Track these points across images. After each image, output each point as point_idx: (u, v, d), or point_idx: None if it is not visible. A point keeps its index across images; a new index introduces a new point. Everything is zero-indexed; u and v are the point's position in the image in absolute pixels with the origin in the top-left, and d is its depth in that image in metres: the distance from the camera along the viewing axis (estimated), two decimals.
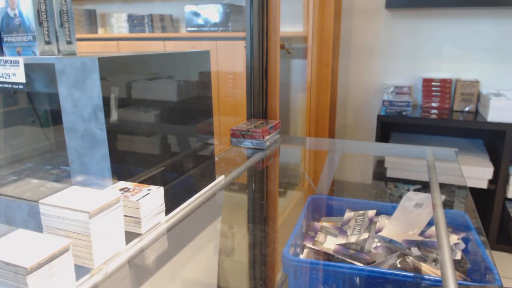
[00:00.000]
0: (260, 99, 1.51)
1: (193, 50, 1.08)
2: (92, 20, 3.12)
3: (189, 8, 2.60)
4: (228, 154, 1.32)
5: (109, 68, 0.76)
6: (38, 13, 0.84)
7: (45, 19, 0.85)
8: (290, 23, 2.57)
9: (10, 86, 0.84)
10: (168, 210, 0.80)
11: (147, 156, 0.90)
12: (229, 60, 2.29)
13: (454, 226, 0.90)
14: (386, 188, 1.86)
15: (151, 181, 0.90)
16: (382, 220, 0.94)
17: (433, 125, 2.45)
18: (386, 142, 2.34)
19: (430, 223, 0.87)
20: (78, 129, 0.79)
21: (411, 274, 0.72)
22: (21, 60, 0.82)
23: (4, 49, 0.90)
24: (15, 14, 0.85)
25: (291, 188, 1.31)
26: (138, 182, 0.80)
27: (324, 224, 0.95)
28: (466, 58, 2.34)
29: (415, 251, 0.80)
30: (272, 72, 1.52)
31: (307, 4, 2.27)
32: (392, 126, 2.57)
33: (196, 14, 2.58)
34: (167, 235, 0.77)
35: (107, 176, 0.79)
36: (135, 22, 2.90)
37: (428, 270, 0.75)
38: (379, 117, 2.24)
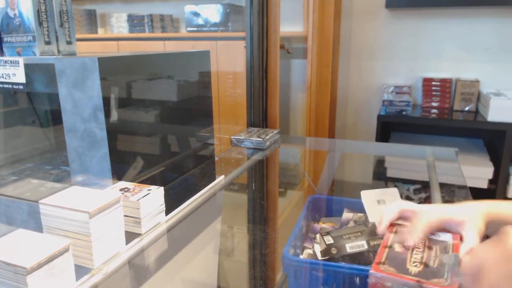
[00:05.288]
0: (260, 101, 1.51)
1: (193, 50, 1.08)
2: (92, 20, 3.12)
3: (189, 8, 2.60)
4: (228, 154, 1.32)
5: (109, 68, 0.76)
6: (38, 13, 0.84)
7: (45, 19, 0.85)
8: (290, 23, 2.57)
9: (10, 86, 0.84)
10: (168, 210, 0.80)
11: (147, 156, 0.90)
12: (229, 60, 2.29)
13: None
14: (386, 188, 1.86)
15: (151, 181, 0.90)
16: None
17: (433, 125, 2.45)
18: (386, 142, 2.34)
19: None
20: (78, 129, 0.79)
21: None
22: (21, 60, 0.82)
23: (4, 49, 0.90)
24: (15, 14, 0.85)
25: (291, 188, 1.31)
26: (138, 182, 0.80)
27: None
28: (466, 58, 2.34)
29: None
30: (272, 72, 1.51)
31: (307, 4, 2.27)
32: (392, 126, 2.57)
33: (196, 14, 2.58)
34: (167, 235, 0.77)
35: (107, 176, 0.79)
36: (135, 22, 2.90)
37: None
38: (379, 117, 2.24)
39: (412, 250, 0.59)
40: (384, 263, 0.56)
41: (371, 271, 0.55)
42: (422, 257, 0.57)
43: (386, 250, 0.60)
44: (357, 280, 0.68)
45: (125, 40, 2.82)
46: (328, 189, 1.24)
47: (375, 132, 2.25)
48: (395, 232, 0.64)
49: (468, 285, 0.48)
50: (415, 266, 0.55)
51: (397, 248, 0.60)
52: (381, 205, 0.88)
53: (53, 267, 0.52)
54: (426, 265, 0.55)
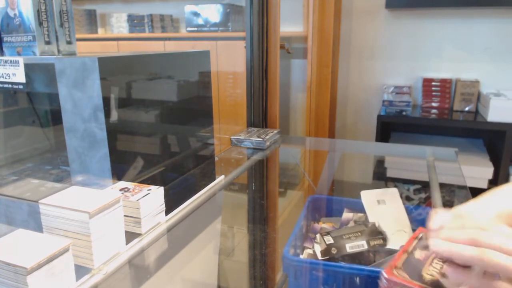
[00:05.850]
0: (260, 101, 1.51)
1: (193, 50, 1.08)
2: (92, 20, 3.12)
3: (189, 8, 2.60)
4: (228, 154, 1.32)
5: (109, 68, 0.76)
6: (38, 13, 0.84)
7: (45, 19, 0.85)
8: (290, 23, 2.57)
9: (10, 86, 0.84)
10: (168, 210, 0.80)
11: (147, 156, 0.90)
12: (229, 60, 2.29)
13: None
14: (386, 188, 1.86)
15: (151, 181, 0.90)
16: None
17: (433, 125, 2.45)
18: (386, 142, 2.34)
19: None
20: (78, 129, 0.79)
21: None
22: (21, 60, 0.82)
23: (4, 49, 0.90)
24: (15, 14, 0.85)
25: (291, 188, 1.31)
26: (138, 182, 0.80)
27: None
28: (466, 58, 2.34)
29: None
30: (272, 72, 1.51)
31: (307, 4, 2.27)
32: (392, 126, 2.57)
33: (196, 14, 2.59)
34: (167, 235, 0.77)
35: (107, 176, 0.79)
36: (135, 22, 2.90)
37: None
38: (379, 117, 2.24)
39: (433, 259, 0.58)
40: (399, 268, 0.56)
41: (383, 273, 0.54)
42: (441, 267, 0.55)
43: (405, 255, 0.59)
44: (357, 280, 0.68)
45: (125, 40, 2.82)
46: (328, 189, 1.24)
47: (375, 132, 2.25)
48: (420, 238, 0.64)
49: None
50: (431, 275, 0.54)
51: (418, 254, 0.59)
52: (381, 205, 0.88)
53: (53, 267, 0.52)
54: (443, 275, 0.54)
